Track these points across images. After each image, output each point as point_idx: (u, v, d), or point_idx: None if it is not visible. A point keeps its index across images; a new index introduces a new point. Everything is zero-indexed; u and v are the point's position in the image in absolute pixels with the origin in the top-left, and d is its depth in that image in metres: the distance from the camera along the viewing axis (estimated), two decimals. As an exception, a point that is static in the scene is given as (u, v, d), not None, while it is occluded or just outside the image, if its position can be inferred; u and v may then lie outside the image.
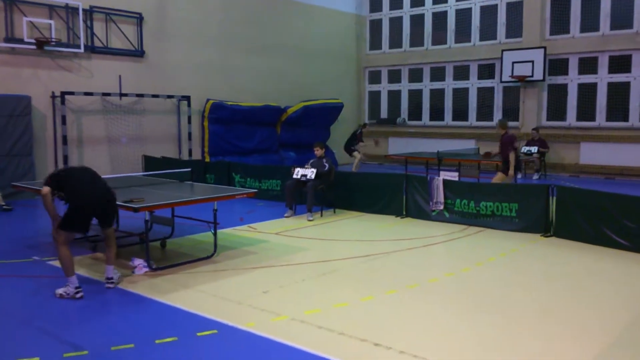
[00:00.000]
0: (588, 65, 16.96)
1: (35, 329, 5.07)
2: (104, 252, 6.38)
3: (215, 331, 4.96)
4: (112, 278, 6.21)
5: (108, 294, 6.04)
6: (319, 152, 10.73)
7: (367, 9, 21.68)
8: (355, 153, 16.82)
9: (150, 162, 14.16)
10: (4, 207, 10.85)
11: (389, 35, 21.29)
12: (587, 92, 17.01)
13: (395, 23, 21.08)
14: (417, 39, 20.52)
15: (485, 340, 4.81)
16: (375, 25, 21.62)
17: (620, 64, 16.41)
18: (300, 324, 5.13)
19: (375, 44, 21.66)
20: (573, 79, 17.23)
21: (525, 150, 15.92)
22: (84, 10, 13.53)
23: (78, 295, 5.83)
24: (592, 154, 16.69)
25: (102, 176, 6.51)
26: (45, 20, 12.88)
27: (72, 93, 13.24)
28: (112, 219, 6.32)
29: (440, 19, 19.91)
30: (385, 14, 21.25)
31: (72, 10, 13.41)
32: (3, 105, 11.90)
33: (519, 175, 11.66)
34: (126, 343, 4.69)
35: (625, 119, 16.42)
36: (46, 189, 5.93)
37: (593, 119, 16.93)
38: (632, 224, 7.85)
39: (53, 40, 12.81)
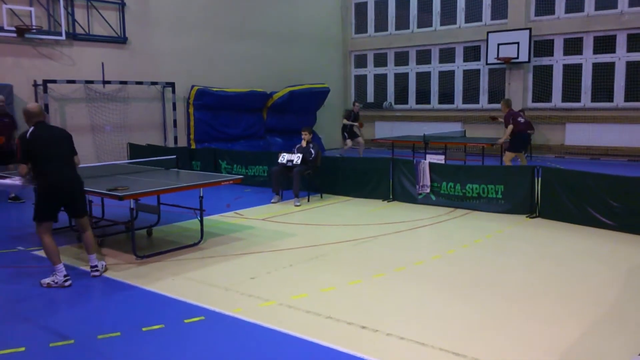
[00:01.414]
0: (573, 46, 17.02)
1: (20, 319, 5.04)
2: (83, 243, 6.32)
3: (202, 318, 4.95)
4: (96, 266, 6.17)
5: (94, 282, 6.01)
6: (306, 136, 10.67)
7: (352, -7, 21.57)
8: (359, 139, 15.67)
9: (135, 150, 14.05)
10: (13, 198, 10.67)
11: (374, 19, 21.19)
12: (572, 73, 17.09)
13: (381, 6, 20.98)
14: (402, 22, 20.45)
15: (472, 321, 4.85)
16: (361, 9, 21.51)
17: (605, 44, 16.48)
18: (288, 309, 5.14)
19: (361, 27, 21.55)
20: (558, 60, 17.29)
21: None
22: (64, -4, 13.36)
23: (67, 284, 5.81)
24: (578, 135, 16.81)
25: (88, 165, 6.45)
26: (25, 8, 12.70)
27: (54, 81, 13.08)
28: (83, 207, 6.25)
29: (425, 1, 19.83)
30: (371, -3, 21.15)
31: (52, -3, 13.23)
32: (-16, 95, 11.73)
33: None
34: (113, 331, 4.67)
35: (610, 99, 16.52)
36: (23, 169, 5.93)
37: (578, 99, 17.02)
38: (616, 204, 7.92)
39: (34, 27, 12.63)
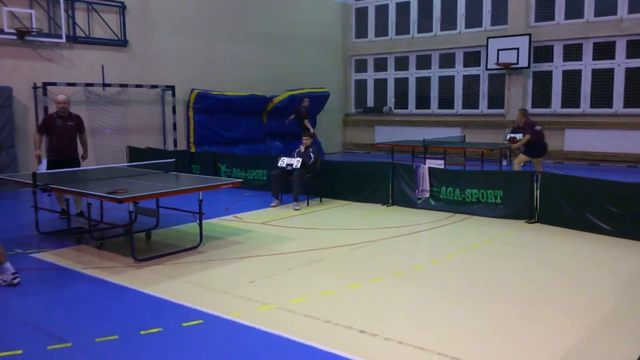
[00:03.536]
0: (573, 52, 17.03)
1: (18, 321, 5.03)
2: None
3: (201, 321, 4.94)
4: (16, 273, 5.99)
5: (91, 285, 5.98)
6: (307, 141, 10.65)
7: (352, -3, 21.61)
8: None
9: (134, 153, 14.05)
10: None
11: (374, 24, 21.22)
12: (571, 79, 17.10)
13: (381, 11, 21.01)
14: (402, 27, 20.47)
15: (471, 326, 4.84)
16: (361, 14, 21.54)
17: (605, 50, 16.50)
18: (287, 312, 5.13)
19: (361, 32, 21.58)
20: (558, 66, 17.30)
21: (510, 137, 15.95)
22: (65, -1, 13.36)
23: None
24: (577, 141, 16.81)
25: (87, 167, 6.45)
26: (25, 10, 12.69)
27: (54, 84, 13.07)
28: None
29: (425, 6, 19.86)
30: (371, 1, 21.16)
31: (53, 0, 13.22)
32: (-16, 97, 11.75)
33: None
34: (111, 334, 4.66)
35: (609, 105, 16.53)
36: None
37: (577, 105, 17.03)
38: (615, 209, 7.91)
39: (34, 30, 12.63)
